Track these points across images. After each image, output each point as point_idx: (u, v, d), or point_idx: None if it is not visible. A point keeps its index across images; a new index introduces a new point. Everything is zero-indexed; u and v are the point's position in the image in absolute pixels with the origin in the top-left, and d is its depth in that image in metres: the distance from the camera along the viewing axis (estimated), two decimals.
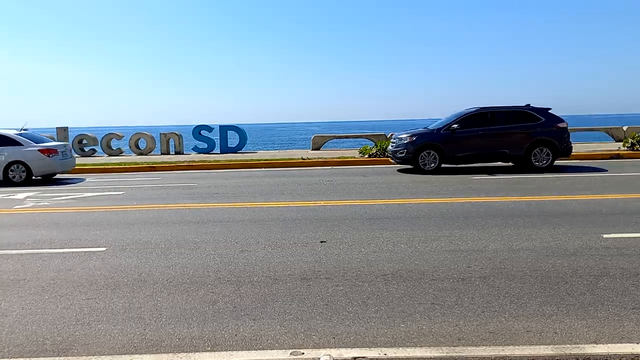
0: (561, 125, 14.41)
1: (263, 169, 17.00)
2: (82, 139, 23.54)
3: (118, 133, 24.62)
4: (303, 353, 3.65)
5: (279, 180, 13.71)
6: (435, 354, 3.58)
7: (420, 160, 14.44)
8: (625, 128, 22.06)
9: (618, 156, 16.99)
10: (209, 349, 3.81)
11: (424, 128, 15.40)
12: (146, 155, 22.76)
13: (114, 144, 23.91)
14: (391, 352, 3.64)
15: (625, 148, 17.98)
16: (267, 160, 18.29)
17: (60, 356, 3.77)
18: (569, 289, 4.79)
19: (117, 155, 22.89)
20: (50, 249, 6.78)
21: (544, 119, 14.34)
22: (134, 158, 21.25)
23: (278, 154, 22.47)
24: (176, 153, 23.17)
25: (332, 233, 7.16)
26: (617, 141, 21.36)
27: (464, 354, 3.57)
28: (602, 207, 8.43)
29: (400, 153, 14.74)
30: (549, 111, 14.62)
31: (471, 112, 14.70)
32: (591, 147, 19.37)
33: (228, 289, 5.02)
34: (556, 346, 3.65)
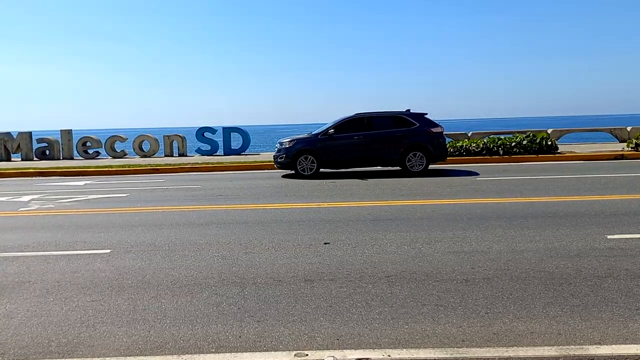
0: (435, 130, 14.79)
1: (266, 171, 17.03)
2: (86, 142, 23.59)
3: (122, 135, 24.67)
4: (307, 354, 3.65)
5: (283, 181, 13.72)
6: (439, 355, 3.59)
7: (298, 165, 14.70)
8: (629, 129, 21.99)
9: (622, 157, 16.95)
10: (213, 350, 3.82)
11: (309, 133, 15.64)
12: (150, 157, 22.81)
13: (118, 146, 23.95)
14: (395, 353, 3.64)
15: (630, 149, 17.94)
16: (270, 161, 18.27)
17: (66, 358, 3.79)
18: (573, 290, 4.78)
19: (121, 158, 22.94)
20: (55, 251, 6.80)
21: (418, 124, 14.73)
22: (137, 160, 21.30)
23: None
24: (179, 155, 23.22)
25: (336, 235, 7.17)
26: (621, 142, 21.31)
27: (468, 355, 3.57)
28: (606, 208, 8.41)
29: (280, 158, 15.05)
30: (425, 116, 15.03)
31: (347, 118, 15.07)
32: (595, 148, 19.34)
33: (232, 291, 5.03)
34: (560, 347, 3.65)
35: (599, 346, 3.66)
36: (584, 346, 3.66)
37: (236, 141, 23.66)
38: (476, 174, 14.18)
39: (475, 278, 5.17)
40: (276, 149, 15.48)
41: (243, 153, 23.34)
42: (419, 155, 14.56)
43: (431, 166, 15.32)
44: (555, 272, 5.27)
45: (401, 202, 9.65)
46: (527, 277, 5.14)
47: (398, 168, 15.04)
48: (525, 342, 3.78)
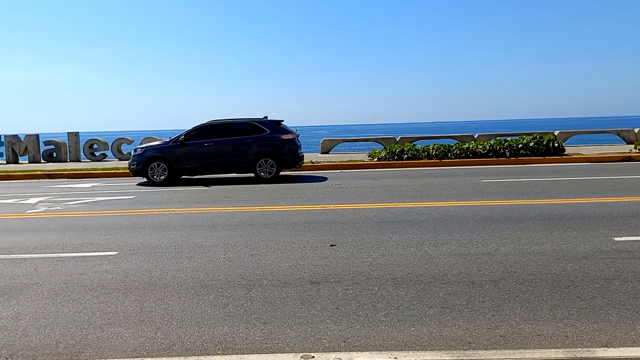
0: (285, 137, 14.89)
1: None
2: (93, 144, 23.70)
3: (128, 138, 24.74)
4: (313, 357, 3.66)
5: (288, 183, 13.73)
6: (445, 358, 3.58)
7: (150, 172, 14.70)
8: (636, 130, 21.88)
9: (629, 158, 16.86)
10: (219, 352, 3.83)
11: (166, 140, 15.65)
12: None
13: (125, 149, 24.01)
14: (401, 355, 3.64)
15: (637, 150, 17.84)
16: None
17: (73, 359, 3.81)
18: (580, 292, 4.77)
19: (128, 160, 22.99)
20: (63, 253, 6.84)
21: (269, 131, 14.85)
22: None
23: None
24: None
25: (342, 237, 7.17)
26: (628, 143, 21.20)
27: (474, 358, 3.57)
28: (613, 210, 8.37)
29: (133, 165, 15.06)
30: (282, 123, 15.30)
31: (200, 125, 15.17)
32: (602, 150, 19.25)
33: (238, 293, 5.04)
34: (567, 350, 3.63)
35: (606, 349, 3.64)
36: (591, 349, 3.64)
37: None
38: (325, 179, 14.52)
39: (481, 280, 5.16)
40: (131, 157, 15.51)
41: None
42: (270, 162, 14.63)
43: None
44: (562, 275, 5.25)
45: (407, 204, 9.64)
46: (533, 280, 5.13)
47: (251, 175, 15.02)
48: (532, 345, 3.77)
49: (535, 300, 4.60)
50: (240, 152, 14.72)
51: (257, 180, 14.57)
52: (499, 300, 4.64)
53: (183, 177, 15.17)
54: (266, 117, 15.22)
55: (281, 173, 15.13)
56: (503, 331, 4.01)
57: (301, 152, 15.58)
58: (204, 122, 15.23)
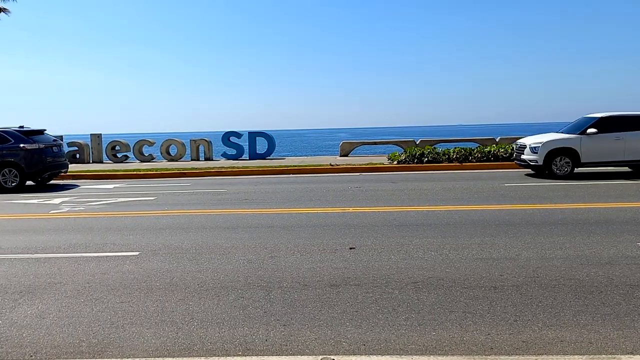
0: (30, 147, 14.73)
1: (291, 175, 17.08)
2: (115, 145, 24.01)
3: (150, 140, 25.02)
4: (333, 359, 3.65)
5: (308, 186, 13.75)
6: None
7: None
8: None
9: None
10: (240, 353, 3.85)
11: None
12: (177, 161, 23.09)
13: (146, 150, 24.30)
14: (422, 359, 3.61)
15: None
16: (295, 166, 18.36)
17: (96, 358, 3.86)
18: (604, 298, 4.69)
19: (149, 162, 23.25)
20: (86, 253, 6.94)
21: (13, 141, 14.69)
22: (164, 164, 21.57)
23: (306, 160, 22.55)
24: (206, 159, 23.46)
25: (361, 239, 7.15)
26: None
27: None
28: (638, 215, 8.22)
29: None
30: (45, 132, 15.25)
31: None
32: None
33: (258, 294, 5.06)
34: (591, 356, 3.57)
35: (631, 356, 3.57)
36: (616, 355, 3.58)
37: (261, 145, 23.81)
38: (76, 186, 14.63)
39: (503, 285, 5.11)
40: None
41: (268, 157, 23.47)
42: (12, 171, 14.58)
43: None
44: (586, 280, 5.17)
45: (428, 208, 9.59)
46: (556, 285, 5.06)
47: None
48: (555, 351, 3.72)
49: (559, 306, 4.53)
50: None
51: (1, 190, 14.55)
52: (522, 305, 4.58)
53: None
54: (22, 127, 15.26)
55: (53, 182, 15.42)
56: (525, 337, 3.96)
57: (54, 161, 15.38)
58: None
